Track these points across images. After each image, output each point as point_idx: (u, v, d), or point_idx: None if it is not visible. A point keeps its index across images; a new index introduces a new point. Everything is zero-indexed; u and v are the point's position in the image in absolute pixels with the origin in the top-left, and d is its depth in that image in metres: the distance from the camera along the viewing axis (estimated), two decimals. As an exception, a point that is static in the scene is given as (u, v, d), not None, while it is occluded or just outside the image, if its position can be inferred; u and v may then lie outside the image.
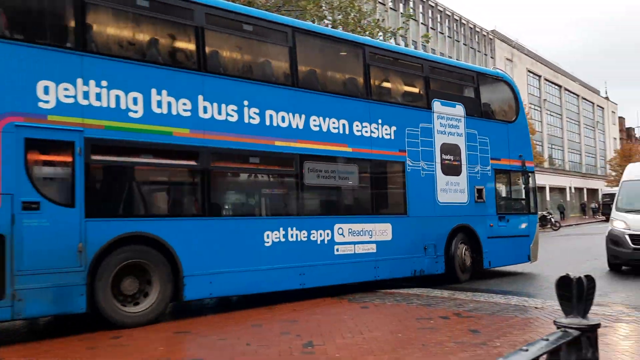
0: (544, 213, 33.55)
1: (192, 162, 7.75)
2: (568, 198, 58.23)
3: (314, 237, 8.80)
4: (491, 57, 50.14)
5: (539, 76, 57.76)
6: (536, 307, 7.79)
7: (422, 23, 41.18)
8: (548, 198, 51.41)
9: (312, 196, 9.25)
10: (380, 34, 17.25)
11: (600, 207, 46.77)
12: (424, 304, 8.20)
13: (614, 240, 11.91)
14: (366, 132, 9.65)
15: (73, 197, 6.52)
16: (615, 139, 76.63)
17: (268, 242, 8.25)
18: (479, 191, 11.30)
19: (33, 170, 6.39)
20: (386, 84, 10.92)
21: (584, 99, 68.05)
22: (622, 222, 11.93)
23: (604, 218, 38.73)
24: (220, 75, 8.16)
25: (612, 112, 77.37)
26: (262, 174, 9.08)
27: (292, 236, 8.53)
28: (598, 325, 1.69)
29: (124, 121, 7.04)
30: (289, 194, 8.93)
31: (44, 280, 6.19)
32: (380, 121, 9.86)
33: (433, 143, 10.64)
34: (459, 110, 11.21)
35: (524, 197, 12.62)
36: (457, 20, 46.16)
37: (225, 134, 7.95)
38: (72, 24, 6.99)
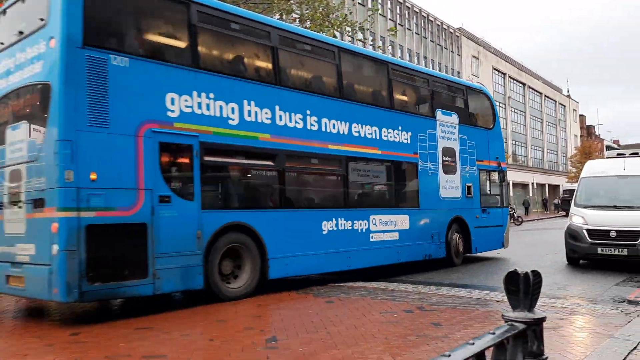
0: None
1: (272, 163, 9.25)
2: (530, 194, 59.60)
3: (356, 226, 10.51)
4: (458, 55, 50.80)
5: (504, 74, 58.84)
6: (497, 301, 7.96)
7: (389, 19, 41.42)
8: (511, 193, 52.51)
9: (354, 191, 10.88)
10: (349, 28, 17.27)
11: (560, 203, 48.03)
12: (388, 298, 8.29)
13: (572, 235, 12.25)
14: (391, 137, 11.48)
15: (193, 192, 7.88)
16: (576, 136, 78.71)
17: (325, 231, 9.90)
18: (469, 188, 13.41)
19: (164, 169, 7.64)
20: (403, 96, 12.67)
21: (547, 97, 69.65)
22: (581, 218, 12.27)
23: (564, 213, 39.79)
24: (290, 89, 9.67)
25: (574, 110, 79.41)
26: (320, 173, 10.54)
27: (341, 225, 10.21)
28: (543, 319, 1.74)
29: (225, 127, 8.45)
30: (338, 190, 10.51)
31: (175, 262, 7.52)
32: (400, 128, 11.67)
33: (437, 147, 12.60)
34: (454, 118, 13.22)
35: (499, 193, 14.82)
36: (424, 17, 46.60)
37: (294, 139, 9.50)
38: (188, 44, 8.35)
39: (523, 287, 1.70)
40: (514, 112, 60.04)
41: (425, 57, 45.75)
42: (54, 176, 6.70)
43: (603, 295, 8.82)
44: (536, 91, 66.58)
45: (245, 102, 8.73)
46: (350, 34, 16.76)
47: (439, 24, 48.31)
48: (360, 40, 29.99)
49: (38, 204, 6.92)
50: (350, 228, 10.38)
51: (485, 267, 12.84)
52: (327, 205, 10.34)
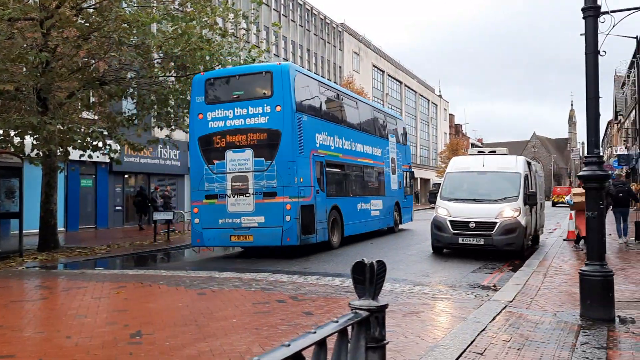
0: None
1: (342, 170, 15.83)
2: (404, 186, 62.68)
3: (366, 206, 17.38)
4: (339, 50, 52.01)
5: (383, 71, 61.29)
6: (366, 289, 8.27)
7: (274, 9, 41.34)
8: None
9: (364, 186, 17.60)
10: (231, 16, 16.95)
11: (429, 196, 51.18)
12: (262, 289, 8.30)
13: (437, 225, 13.08)
14: (374, 152, 18.59)
15: (324, 187, 14.07)
16: (445, 133, 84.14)
17: (358, 209, 16.61)
18: (400, 183, 21.26)
19: (317, 175, 13.65)
20: (377, 126, 19.62)
21: (421, 95, 73.68)
22: (445, 210, 13.14)
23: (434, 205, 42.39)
24: (346, 126, 16.34)
25: (444, 109, 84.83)
26: (355, 175, 16.99)
27: (361, 206, 17.02)
28: (386, 306, 1.82)
29: (330, 151, 14.76)
30: (360, 185, 17.25)
31: (321, 225, 13.57)
32: (377, 146, 18.96)
33: (389, 157, 20.16)
34: (394, 139, 21.12)
35: (409, 185, 22.83)
36: (308, 9, 47.09)
37: (349, 156, 16.28)
38: (320, 105, 14.70)
39: (368, 277, 1.76)
40: (391, 108, 62.86)
41: (308, 50, 46.31)
42: (286, 180, 12.55)
43: (461, 281, 9.52)
44: (411, 90, 70.17)
45: (335, 136, 15.23)
46: (231, 20, 16.44)
47: (323, 18, 49.10)
48: (244, 29, 29.63)
49: (270, 194, 12.60)
50: (365, 208, 17.23)
51: (359, 256, 13.31)
52: (357, 194, 16.76)
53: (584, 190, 11.75)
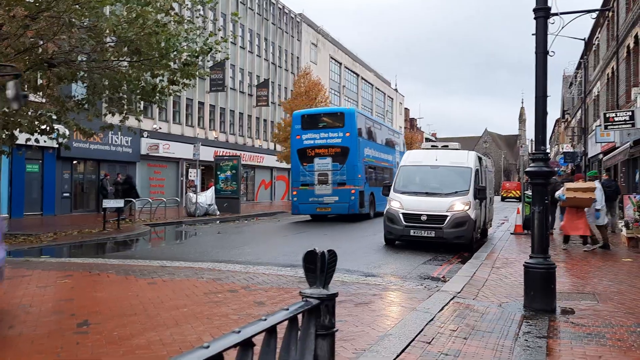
0: None
1: (374, 170, 24.34)
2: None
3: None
4: (297, 40, 51.81)
5: (340, 63, 61.45)
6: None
7: (232, -3, 40.74)
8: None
9: (384, 179, 23.42)
10: (188, 2, 16.61)
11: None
12: (214, 278, 8.24)
13: (390, 218, 13.29)
14: (389, 158, 27.22)
15: (367, 179, 22.73)
16: (401, 127, 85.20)
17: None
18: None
19: (365, 173, 22.99)
20: (390, 140, 28.51)
21: (377, 89, 74.35)
22: (398, 202, 13.34)
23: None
24: (376, 142, 25.39)
25: (400, 103, 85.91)
26: (381, 173, 25.17)
27: (380, 196, 20.70)
28: (336, 295, 1.85)
29: (370, 159, 23.81)
30: (382, 179, 23.89)
31: (366, 204, 22.47)
32: (390, 154, 27.55)
33: (395, 160, 27.25)
34: (399, 148, 29.82)
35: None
36: (267, -2, 46.65)
37: (378, 161, 25.09)
38: (366, 131, 24.24)
39: (320, 266, 1.78)
40: (347, 100, 63.15)
41: (266, 40, 45.90)
42: (351, 176, 21.35)
43: (412, 272, 9.72)
44: (368, 82, 70.70)
45: (372, 149, 24.15)
46: (189, 7, 16.14)
47: (281, 7, 48.72)
48: (202, 16, 29.10)
49: (341, 184, 21.31)
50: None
51: (315, 245, 13.37)
52: (378, 186, 21.77)
53: (580, 186, 12.19)
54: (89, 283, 7.86)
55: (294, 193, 22.23)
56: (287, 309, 1.58)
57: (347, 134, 21.46)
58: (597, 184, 13.00)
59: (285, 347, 1.59)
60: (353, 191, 21.12)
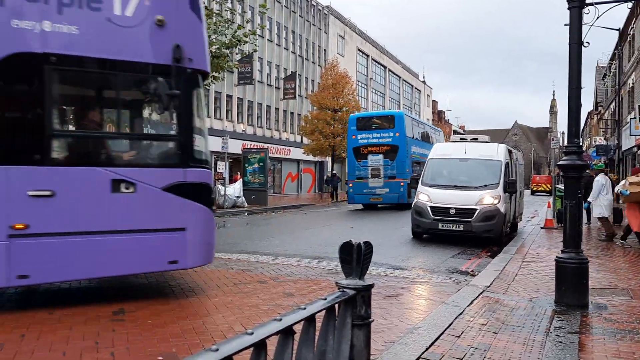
0: None
1: (418, 165, 22.74)
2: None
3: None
4: (325, 32, 51.73)
5: (367, 56, 61.16)
6: (346, 271, 8.38)
7: (260, -11, 40.85)
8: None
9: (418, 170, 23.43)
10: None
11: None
12: (243, 269, 8.36)
13: (418, 211, 13.23)
14: (424, 152, 24.66)
15: (412, 174, 19.73)
16: (428, 119, 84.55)
17: None
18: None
19: (411, 167, 24.85)
20: (430, 136, 30.69)
21: (405, 81, 73.80)
22: (426, 196, 13.27)
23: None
24: (419, 140, 27.96)
25: (428, 95, 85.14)
26: (418, 165, 23.79)
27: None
28: (372, 286, 1.88)
29: (415, 155, 25.97)
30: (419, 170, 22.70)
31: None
32: (425, 148, 26.22)
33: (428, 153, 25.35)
34: (432, 141, 29.31)
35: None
36: (294, -9, 46.65)
37: (420, 156, 25.14)
38: (412, 131, 27.21)
39: (355, 257, 1.82)
40: (375, 93, 62.87)
41: (293, 32, 45.96)
42: (400, 170, 24.40)
43: (440, 266, 9.68)
44: (396, 75, 70.21)
45: (417, 146, 26.59)
46: (218, 1, 16.30)
47: (308, 0, 48.76)
48: (230, 9, 29.27)
49: (392, 177, 24.47)
50: None
51: (341, 239, 13.42)
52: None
53: None
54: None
55: (350, 185, 25.81)
56: (325, 299, 1.62)
57: (397, 134, 24.86)
58: (600, 177, 13.50)
59: (323, 336, 1.63)
60: (402, 183, 24.13)
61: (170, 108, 5.97)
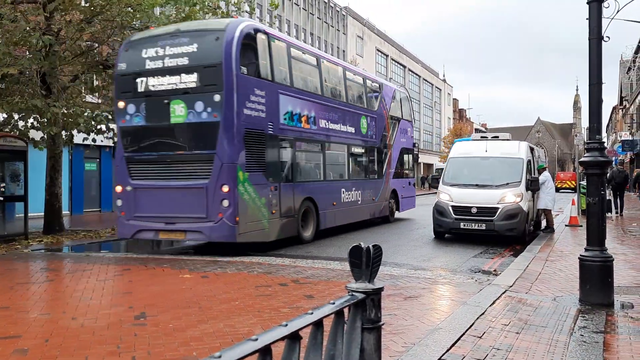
0: None
1: None
2: (407, 171, 62.68)
3: None
4: (343, 34, 51.71)
5: (387, 55, 60.95)
6: (367, 273, 8.36)
7: (278, -7, 41.03)
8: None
9: None
10: None
11: (429, 180, 51.47)
12: (264, 272, 8.38)
13: (439, 210, 13.12)
14: None
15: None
16: (449, 118, 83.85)
17: None
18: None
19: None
20: None
21: (425, 80, 73.31)
22: (447, 195, 13.16)
23: (435, 190, 42.87)
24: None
25: (448, 93, 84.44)
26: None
27: None
28: (381, 289, 1.87)
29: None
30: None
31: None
32: None
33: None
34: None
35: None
36: (312, -7, 46.74)
37: None
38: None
39: (365, 260, 1.81)
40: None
41: (312, 34, 46.03)
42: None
43: (462, 266, 9.59)
44: (415, 74, 69.80)
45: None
46: (234, 3, 16.41)
47: (326, 1, 48.74)
48: (246, 12, 29.44)
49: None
50: None
51: (362, 241, 13.38)
52: None
53: None
54: (146, 277, 8.14)
55: None
56: (334, 303, 1.61)
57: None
58: (545, 174, 14.36)
59: (331, 340, 1.62)
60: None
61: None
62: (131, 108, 10.74)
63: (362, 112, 15.97)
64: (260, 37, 11.09)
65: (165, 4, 14.15)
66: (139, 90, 10.70)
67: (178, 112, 10.27)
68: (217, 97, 9.92)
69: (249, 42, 10.61)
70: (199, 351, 4.56)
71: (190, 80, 10.28)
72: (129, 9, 12.85)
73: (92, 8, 13.35)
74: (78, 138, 15.68)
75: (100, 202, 25.22)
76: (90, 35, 13.54)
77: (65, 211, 19.05)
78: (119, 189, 10.95)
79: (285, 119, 11.72)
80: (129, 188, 10.74)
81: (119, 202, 10.98)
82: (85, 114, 13.99)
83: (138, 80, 10.68)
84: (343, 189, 14.39)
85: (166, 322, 5.41)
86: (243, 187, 10.11)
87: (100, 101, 16.67)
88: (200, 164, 10.19)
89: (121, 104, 10.89)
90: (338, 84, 15.02)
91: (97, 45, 14.27)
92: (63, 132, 14.13)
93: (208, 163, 10.00)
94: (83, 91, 15.52)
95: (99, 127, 14.67)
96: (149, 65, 10.62)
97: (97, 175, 25.11)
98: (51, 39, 12.44)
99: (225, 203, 9.82)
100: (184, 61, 10.33)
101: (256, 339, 1.25)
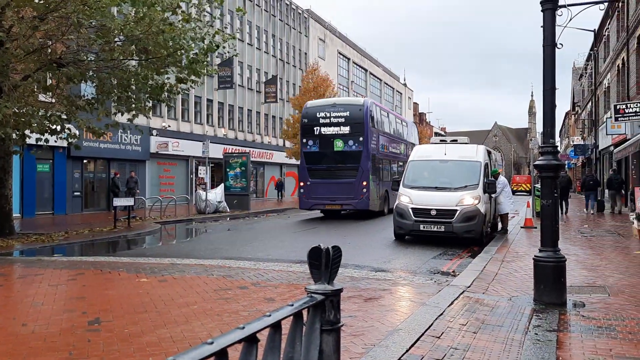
0: None
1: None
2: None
3: None
4: (305, 36, 51.74)
5: (348, 59, 61.31)
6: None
7: (239, -6, 40.73)
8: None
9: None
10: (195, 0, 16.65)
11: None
12: (224, 275, 8.28)
13: (399, 212, 13.26)
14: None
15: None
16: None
17: None
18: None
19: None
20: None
21: (386, 83, 74.09)
22: (407, 197, 13.31)
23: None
24: None
25: (409, 97, 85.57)
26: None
27: None
28: (341, 290, 1.86)
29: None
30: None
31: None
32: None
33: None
34: None
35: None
36: (274, -5, 46.58)
37: None
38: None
39: (324, 262, 1.79)
40: (356, 96, 62.99)
41: (273, 36, 45.88)
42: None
43: (422, 267, 9.71)
44: (377, 77, 70.46)
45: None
46: (195, 3, 16.16)
47: (288, 3, 48.65)
48: (208, 14, 29.13)
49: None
50: None
51: (324, 243, 13.39)
52: None
53: None
54: (100, 281, 7.92)
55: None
56: (292, 305, 1.59)
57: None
58: (501, 178, 15.20)
59: (290, 343, 1.60)
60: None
61: None
62: (310, 142, 20.84)
63: (402, 141, 26.57)
64: (376, 107, 22.18)
65: (122, 3, 13.83)
66: (315, 133, 20.74)
67: (338, 145, 20.44)
68: (360, 138, 20.16)
69: (372, 109, 21.12)
70: (155, 357, 4.45)
71: (345, 129, 20.45)
72: (85, 6, 12.49)
73: (46, 5, 12.93)
74: (31, 138, 15.16)
75: (54, 204, 24.46)
76: (43, 32, 13.12)
77: (16, 214, 18.40)
78: (302, 183, 21.05)
79: (381, 148, 22.03)
80: (308, 183, 20.62)
81: (302, 190, 21.01)
82: (39, 113, 13.53)
83: (315, 127, 20.76)
84: None
85: (121, 328, 5.27)
86: (370, 182, 20.05)
87: (54, 100, 16.15)
88: (351, 171, 20.09)
89: (304, 140, 21.06)
90: (395, 125, 25.82)
91: (51, 42, 13.83)
92: (15, 132, 13.63)
93: (355, 170, 20.01)
94: (36, 90, 15.02)
95: (53, 127, 14.22)
96: (321, 120, 20.70)
97: (50, 177, 24.34)
98: (2, 35, 12.00)
99: (364, 190, 19.76)
100: (342, 120, 20.49)
101: (212, 342, 1.21)
